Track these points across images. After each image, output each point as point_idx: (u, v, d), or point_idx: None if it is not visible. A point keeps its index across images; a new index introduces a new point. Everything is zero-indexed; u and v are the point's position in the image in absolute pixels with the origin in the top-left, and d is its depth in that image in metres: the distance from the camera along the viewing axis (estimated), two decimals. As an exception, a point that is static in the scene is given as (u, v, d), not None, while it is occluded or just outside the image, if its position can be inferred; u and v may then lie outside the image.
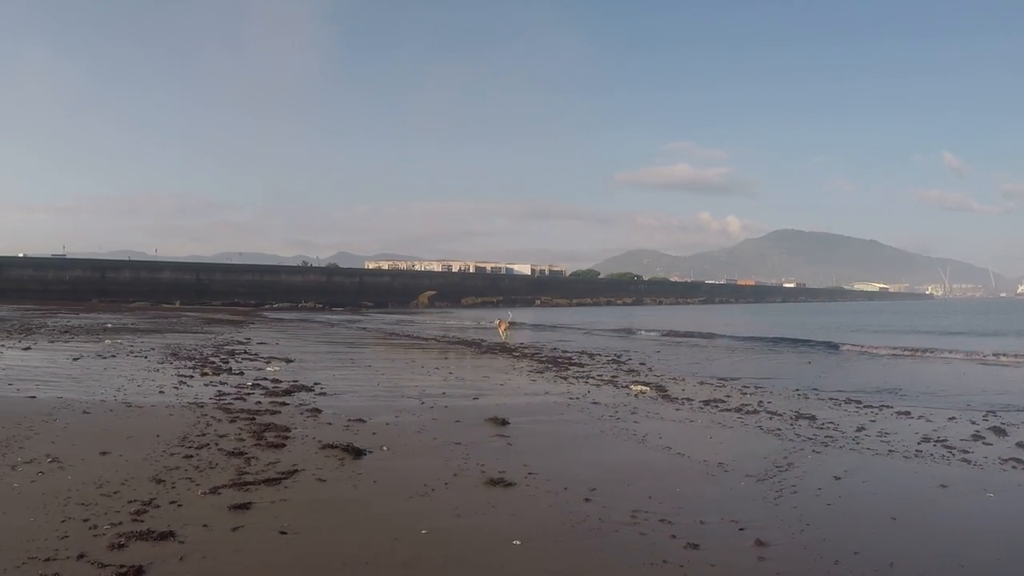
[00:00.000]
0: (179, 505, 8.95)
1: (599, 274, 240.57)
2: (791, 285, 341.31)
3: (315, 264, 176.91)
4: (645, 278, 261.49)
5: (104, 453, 11.35)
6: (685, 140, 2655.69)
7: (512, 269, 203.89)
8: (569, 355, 33.25)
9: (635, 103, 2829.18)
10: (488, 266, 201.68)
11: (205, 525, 8.28)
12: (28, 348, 28.09)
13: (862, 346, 41.45)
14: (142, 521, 8.31)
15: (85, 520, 8.29)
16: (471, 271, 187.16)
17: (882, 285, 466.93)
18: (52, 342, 31.53)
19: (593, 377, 24.30)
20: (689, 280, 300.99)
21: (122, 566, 7.03)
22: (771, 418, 16.65)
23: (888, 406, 18.91)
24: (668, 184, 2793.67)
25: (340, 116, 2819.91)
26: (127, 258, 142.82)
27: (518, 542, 8.14)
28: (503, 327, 46.44)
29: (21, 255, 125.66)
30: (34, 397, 16.39)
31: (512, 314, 55.16)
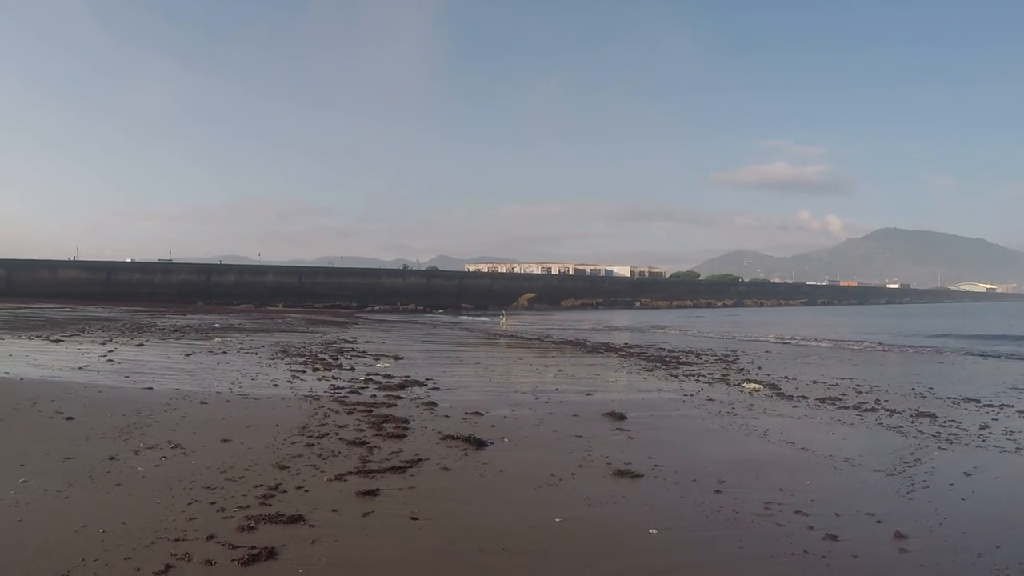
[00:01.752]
0: (306, 490, 8.90)
1: (699, 276, 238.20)
2: (895, 286, 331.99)
3: (415, 267, 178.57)
4: (745, 279, 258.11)
5: (225, 440, 11.43)
6: (781, 137, 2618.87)
7: (611, 271, 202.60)
8: (676, 354, 32.70)
9: (730, 101, 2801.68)
10: (587, 268, 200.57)
11: (334, 510, 8.21)
12: (141, 345, 28.67)
13: (974, 350, 40.13)
14: (270, 505, 8.26)
15: (212, 503, 8.27)
16: (570, 273, 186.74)
17: (989, 286, 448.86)
18: (163, 340, 32.17)
19: (703, 375, 23.78)
20: (790, 281, 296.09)
21: (253, 548, 6.95)
22: (891, 416, 16.20)
23: (1008, 405, 18.32)
24: (766, 183, 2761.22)
25: (443, 120, 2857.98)
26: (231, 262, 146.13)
27: (654, 531, 8.00)
28: (504, 320, 66.12)
29: (129, 260, 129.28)
30: (151, 388, 16.67)
31: (506, 314, 77.54)
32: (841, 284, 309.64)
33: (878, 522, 8.44)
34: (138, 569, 6.42)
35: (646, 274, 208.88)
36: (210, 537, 7.20)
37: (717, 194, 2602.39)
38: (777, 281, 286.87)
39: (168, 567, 6.48)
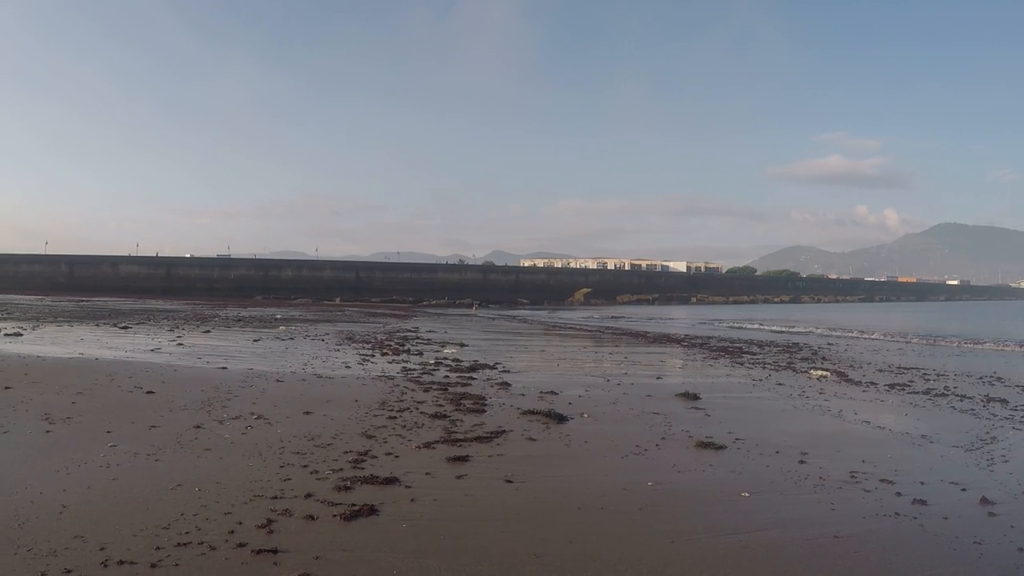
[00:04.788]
0: (395, 456, 9.02)
1: (756, 271, 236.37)
2: (954, 283, 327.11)
3: (471, 263, 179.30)
4: (803, 275, 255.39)
5: (307, 413, 11.62)
6: (836, 130, 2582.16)
7: (667, 266, 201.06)
8: (738, 345, 32.47)
9: (787, 94, 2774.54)
10: (643, 263, 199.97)
11: (428, 473, 8.33)
12: (207, 332, 29.21)
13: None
14: (362, 468, 8.37)
15: (304, 466, 8.39)
16: (626, 268, 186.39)
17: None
18: (228, 328, 32.68)
19: (768, 363, 23.59)
20: (847, 277, 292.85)
21: (353, 505, 7.04)
22: (962, 400, 16.05)
23: (1076, 395, 17.96)
24: (821, 177, 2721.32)
25: (519, 118, 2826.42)
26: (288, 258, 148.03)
27: (746, 494, 8.12)
28: (475, 307, 77.12)
29: (188, 255, 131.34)
30: (225, 368, 16.98)
31: (477, 305, 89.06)
32: (899, 280, 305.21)
33: (963, 490, 8.53)
34: (240, 523, 6.50)
35: (702, 269, 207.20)
36: (308, 496, 7.30)
37: (773, 188, 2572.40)
38: (834, 277, 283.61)
39: (270, 521, 6.56)
